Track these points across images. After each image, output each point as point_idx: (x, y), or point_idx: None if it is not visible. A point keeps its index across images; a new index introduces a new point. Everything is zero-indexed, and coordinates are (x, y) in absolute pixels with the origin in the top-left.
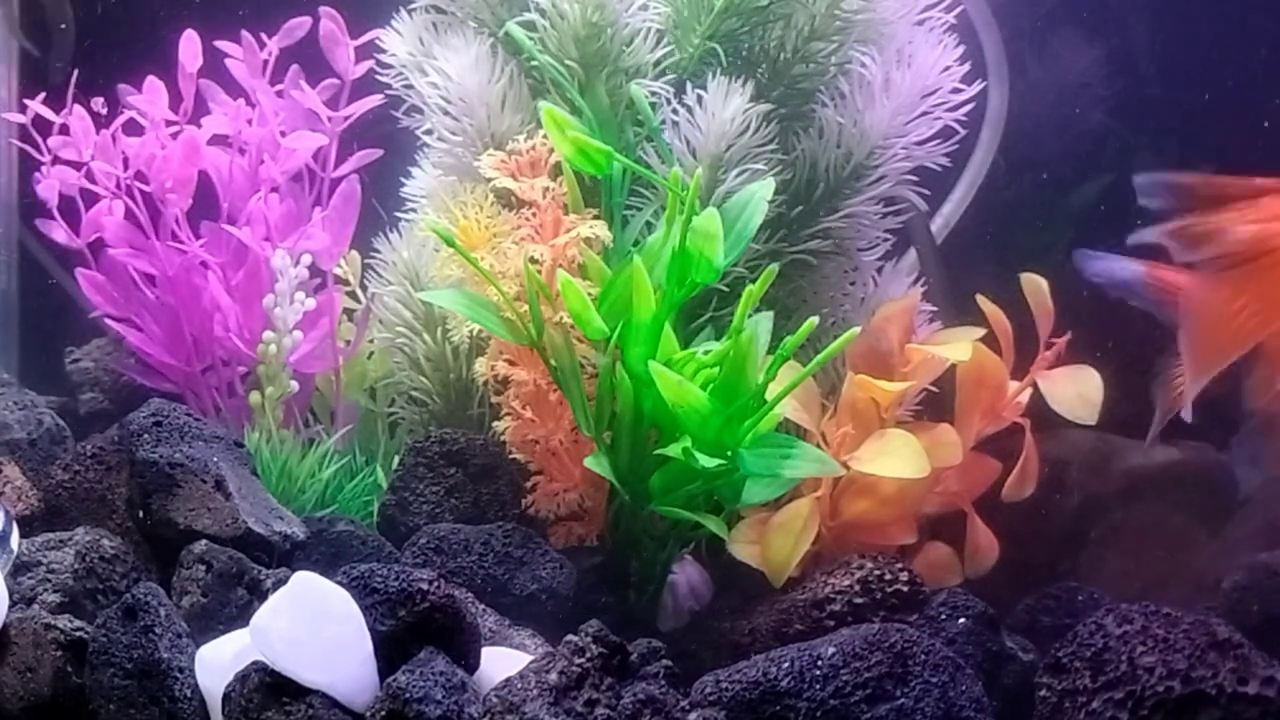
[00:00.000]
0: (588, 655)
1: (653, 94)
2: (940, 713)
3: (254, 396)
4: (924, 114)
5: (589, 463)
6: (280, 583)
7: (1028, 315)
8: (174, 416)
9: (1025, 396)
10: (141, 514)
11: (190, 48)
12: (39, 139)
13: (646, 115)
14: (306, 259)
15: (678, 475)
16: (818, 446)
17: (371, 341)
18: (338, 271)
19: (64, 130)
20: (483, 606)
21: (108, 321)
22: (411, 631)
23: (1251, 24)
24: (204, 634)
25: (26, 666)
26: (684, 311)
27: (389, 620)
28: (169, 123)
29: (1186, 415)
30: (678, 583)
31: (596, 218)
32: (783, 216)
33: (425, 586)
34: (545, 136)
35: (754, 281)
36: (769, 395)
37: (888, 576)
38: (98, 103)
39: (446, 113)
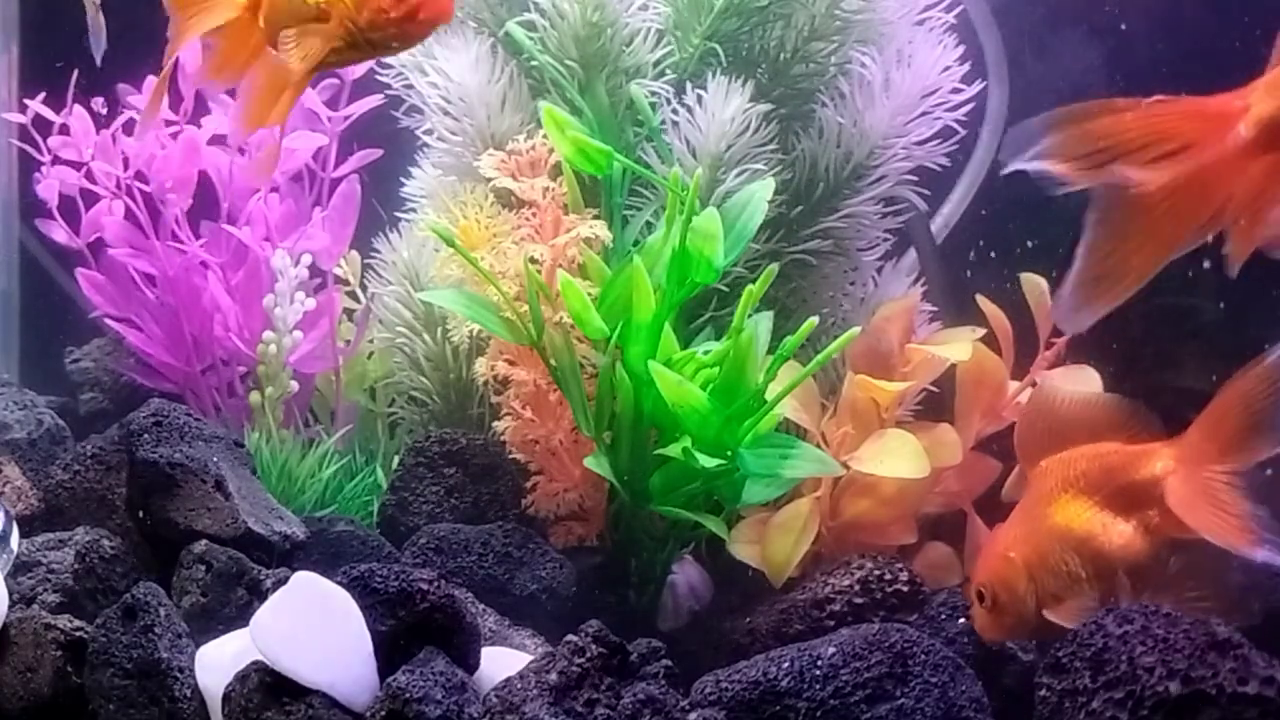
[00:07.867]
0: (588, 655)
1: (653, 94)
2: (940, 713)
3: (254, 396)
4: (924, 114)
5: (589, 463)
6: (280, 583)
7: (1028, 315)
8: (174, 416)
9: (1025, 396)
10: (141, 514)
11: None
12: (39, 139)
13: (646, 115)
14: (306, 259)
15: (678, 475)
16: (818, 446)
17: (371, 341)
18: (338, 271)
19: (64, 130)
20: (483, 606)
21: (108, 321)
22: (411, 631)
23: (1254, 22)
24: (204, 634)
25: (26, 666)
26: (684, 311)
27: (389, 620)
28: (169, 123)
29: None
30: (678, 583)
31: (596, 218)
32: (783, 216)
33: (425, 586)
34: (545, 136)
35: (754, 281)
36: (769, 395)
37: (888, 576)
38: (98, 103)
39: (446, 113)
